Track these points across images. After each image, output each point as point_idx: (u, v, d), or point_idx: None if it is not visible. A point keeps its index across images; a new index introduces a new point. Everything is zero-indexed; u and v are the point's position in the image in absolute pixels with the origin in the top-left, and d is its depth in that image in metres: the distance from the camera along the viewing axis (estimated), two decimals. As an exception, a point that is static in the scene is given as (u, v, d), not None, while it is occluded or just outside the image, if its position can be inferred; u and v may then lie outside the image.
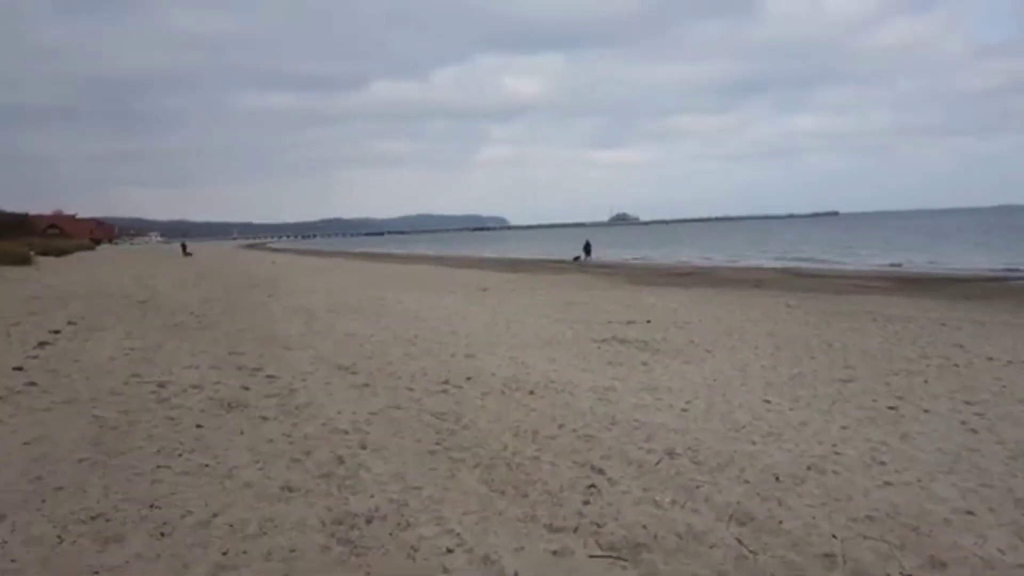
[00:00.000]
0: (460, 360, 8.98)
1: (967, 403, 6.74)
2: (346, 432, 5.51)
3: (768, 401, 6.84)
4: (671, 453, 5.12)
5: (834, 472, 4.72)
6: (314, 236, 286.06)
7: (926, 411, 6.48)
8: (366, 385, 7.34)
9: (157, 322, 12.45)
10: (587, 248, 41.25)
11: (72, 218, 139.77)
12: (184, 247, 72.35)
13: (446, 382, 7.53)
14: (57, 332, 10.95)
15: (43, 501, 4.06)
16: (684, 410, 6.49)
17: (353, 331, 11.58)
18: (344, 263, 44.62)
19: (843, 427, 5.91)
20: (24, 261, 30.49)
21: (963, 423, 6.03)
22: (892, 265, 33.99)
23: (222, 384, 7.37)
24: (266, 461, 4.85)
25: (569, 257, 41.56)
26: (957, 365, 8.66)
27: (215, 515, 3.92)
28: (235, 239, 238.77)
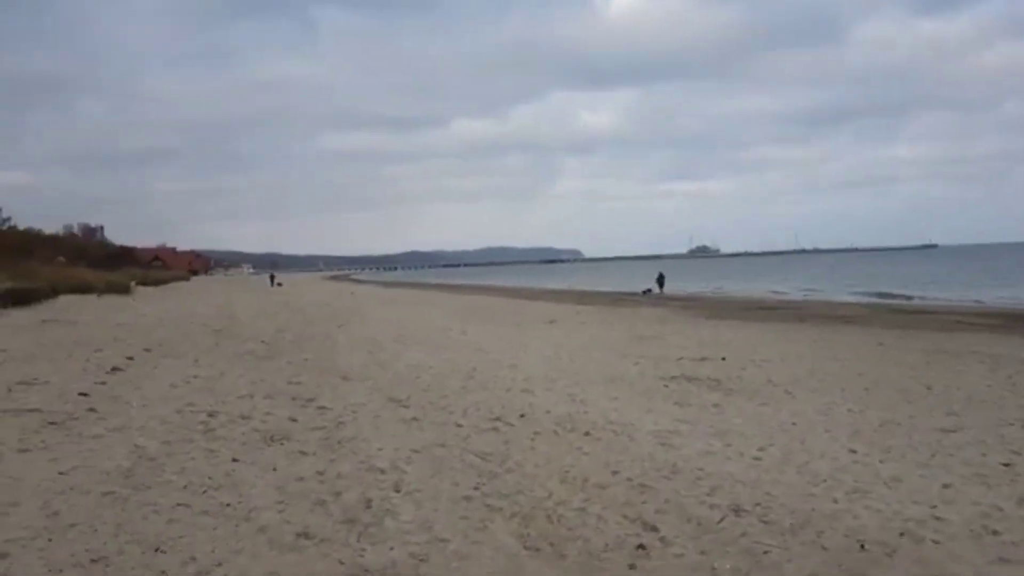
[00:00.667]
0: (516, 395, 8.55)
1: (1100, 462, 5.75)
2: (383, 471, 5.17)
3: (854, 451, 6.07)
4: (737, 509, 4.50)
5: (934, 541, 3.99)
6: (395, 268, 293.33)
7: (1049, 469, 5.56)
8: (415, 420, 7.01)
9: (228, 351, 12.64)
10: (660, 280, 39.82)
11: (173, 251, 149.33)
12: (272, 278, 75.52)
13: (498, 419, 7.11)
14: (131, 359, 11.24)
15: (50, 540, 3.89)
16: (756, 459, 5.82)
17: (415, 362, 11.36)
18: (418, 294, 45.20)
19: (945, 485, 5.10)
20: (125, 291, 32.44)
21: (1097, 487, 5.10)
22: (996, 300, 31.24)
23: (272, 415, 7.21)
24: (290, 502, 4.55)
25: (656, 291, 40.02)
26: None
27: (218, 564, 3.63)
28: (320, 270, 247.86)
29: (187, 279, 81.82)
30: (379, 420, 6.98)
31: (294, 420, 6.84)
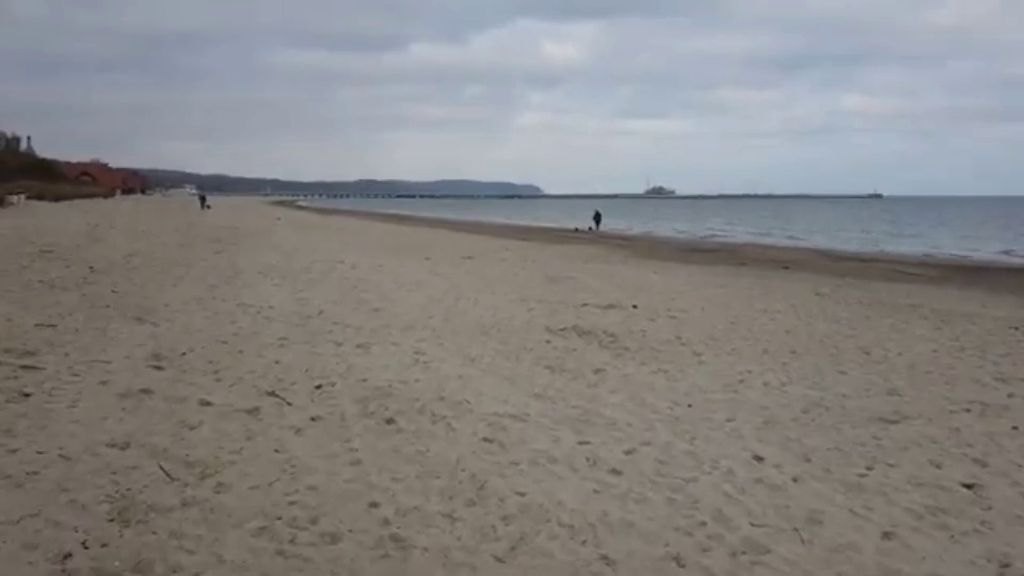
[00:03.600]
0: (344, 353, 6.47)
1: (1095, 480, 4.03)
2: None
3: (760, 459, 4.21)
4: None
5: None
6: (347, 196, 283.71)
7: (1028, 496, 3.80)
8: (145, 392, 4.85)
9: (26, 277, 10.17)
10: (597, 218, 38.85)
11: (105, 167, 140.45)
12: (203, 199, 71.14)
13: (275, 392, 5.02)
14: None
15: None
16: (614, 472, 3.89)
17: (253, 301, 9.16)
18: (349, 222, 42.43)
19: (886, 534, 3.26)
20: (-1, 203, 29.02)
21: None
22: (940, 250, 30.36)
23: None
24: None
25: (584, 227, 38.88)
26: (1056, 399, 5.88)
27: None
28: (267, 195, 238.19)
29: (111, 196, 76.60)
30: (93, 392, 4.80)
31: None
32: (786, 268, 19.46)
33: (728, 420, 4.97)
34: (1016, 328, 9.48)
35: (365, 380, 5.53)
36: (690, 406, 5.29)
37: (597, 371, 6.26)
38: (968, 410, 5.47)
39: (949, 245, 33.28)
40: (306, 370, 5.77)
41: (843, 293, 13.00)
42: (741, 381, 6.11)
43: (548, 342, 7.43)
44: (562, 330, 8.09)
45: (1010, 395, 5.95)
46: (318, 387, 5.27)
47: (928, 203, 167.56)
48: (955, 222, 59.76)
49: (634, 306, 10.09)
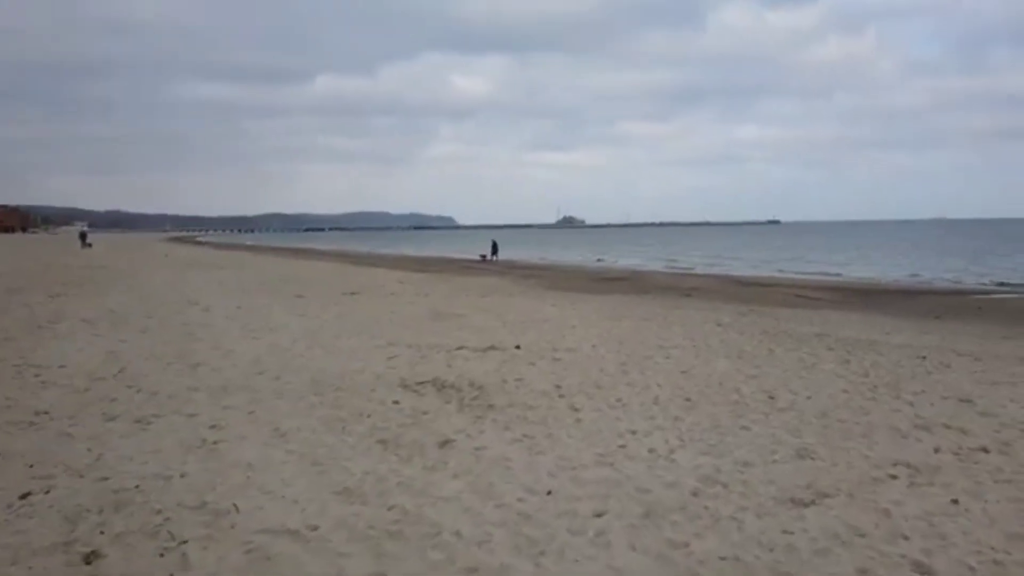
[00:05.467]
0: (110, 432, 4.85)
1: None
2: None
3: (629, 589, 2.93)
4: None
5: None
6: (252, 231, 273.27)
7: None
8: None
9: None
10: (494, 248, 38.60)
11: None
12: (84, 237, 66.64)
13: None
14: None
15: None
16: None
17: (42, 361, 7.38)
18: (241, 258, 39.78)
19: None
20: None
21: None
22: (837, 275, 30.97)
23: None
24: None
25: (490, 257, 38.29)
26: (987, 450, 4.95)
27: None
28: (166, 231, 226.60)
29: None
30: None
31: None
32: (688, 296, 18.91)
33: (596, 515, 3.69)
34: (923, 357, 8.82)
35: (106, 479, 3.95)
36: (550, 493, 3.99)
37: (443, 444, 4.89)
38: (894, 476, 4.44)
39: (847, 269, 34.21)
40: (31, 465, 4.12)
41: (746, 322, 12.26)
42: (622, 447, 4.89)
43: (396, 403, 6.01)
44: (420, 384, 6.70)
45: (936, 449, 4.99)
46: (24, 496, 3.65)
47: (824, 228, 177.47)
48: (851, 246, 62.64)
49: (517, 347, 8.84)
